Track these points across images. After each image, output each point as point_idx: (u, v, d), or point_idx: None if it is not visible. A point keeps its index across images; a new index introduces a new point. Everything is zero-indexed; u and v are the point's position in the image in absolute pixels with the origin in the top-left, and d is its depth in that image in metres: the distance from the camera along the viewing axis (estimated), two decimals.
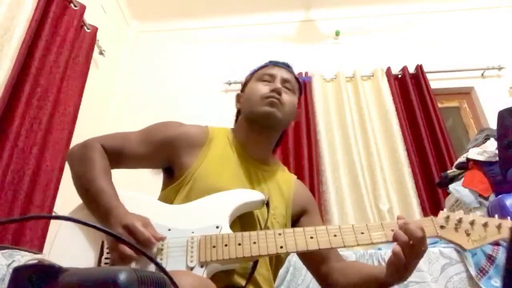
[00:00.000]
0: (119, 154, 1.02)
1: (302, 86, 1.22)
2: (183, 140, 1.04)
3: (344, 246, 0.85)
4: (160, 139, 1.04)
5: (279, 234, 0.86)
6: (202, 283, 0.70)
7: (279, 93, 1.07)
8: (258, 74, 1.15)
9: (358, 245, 0.85)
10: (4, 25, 1.87)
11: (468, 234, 0.82)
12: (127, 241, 0.51)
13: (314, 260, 1.06)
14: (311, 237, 0.85)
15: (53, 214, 1.96)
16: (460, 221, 0.84)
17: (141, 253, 0.47)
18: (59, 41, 2.23)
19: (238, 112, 1.19)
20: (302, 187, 1.18)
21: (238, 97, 1.20)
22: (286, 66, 1.17)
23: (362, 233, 0.85)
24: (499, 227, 0.82)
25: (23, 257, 1.36)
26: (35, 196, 1.92)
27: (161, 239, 0.84)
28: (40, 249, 1.82)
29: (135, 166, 1.07)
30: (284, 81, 1.12)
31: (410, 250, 0.78)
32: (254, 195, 0.96)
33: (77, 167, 0.97)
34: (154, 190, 1.08)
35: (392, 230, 0.82)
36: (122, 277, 0.40)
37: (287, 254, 1.07)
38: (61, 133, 2.15)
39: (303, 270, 1.46)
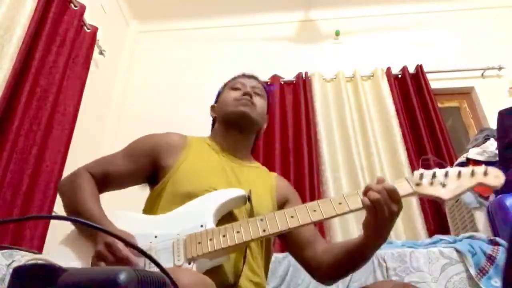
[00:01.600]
0: (106, 176, 1.08)
1: (269, 95, 1.34)
2: (164, 144, 1.12)
3: (324, 219, 0.87)
4: (144, 149, 1.12)
5: (261, 220, 0.89)
6: (200, 279, 0.71)
7: (250, 96, 1.19)
8: (230, 84, 1.28)
9: (337, 215, 0.86)
10: (4, 25, 1.87)
11: (444, 186, 0.82)
12: (126, 240, 0.52)
13: (299, 246, 1.09)
14: (292, 216, 0.88)
15: (53, 214, 1.96)
16: (434, 175, 0.84)
17: (139, 251, 0.48)
18: (59, 41, 2.23)
19: (213, 122, 1.31)
20: (283, 180, 1.25)
21: (213, 107, 1.32)
22: (255, 77, 1.30)
23: (340, 203, 0.87)
24: (472, 173, 0.82)
25: (23, 257, 1.36)
26: (35, 196, 1.92)
27: (136, 265, 0.85)
28: (40, 249, 1.82)
29: (123, 184, 1.12)
30: (254, 87, 1.24)
31: (383, 206, 0.80)
32: (235, 192, 0.99)
33: (68, 194, 1.03)
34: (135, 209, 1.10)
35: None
36: (122, 277, 0.40)
37: (274, 238, 1.10)
38: (60, 133, 2.15)
39: (302, 270, 1.45)
